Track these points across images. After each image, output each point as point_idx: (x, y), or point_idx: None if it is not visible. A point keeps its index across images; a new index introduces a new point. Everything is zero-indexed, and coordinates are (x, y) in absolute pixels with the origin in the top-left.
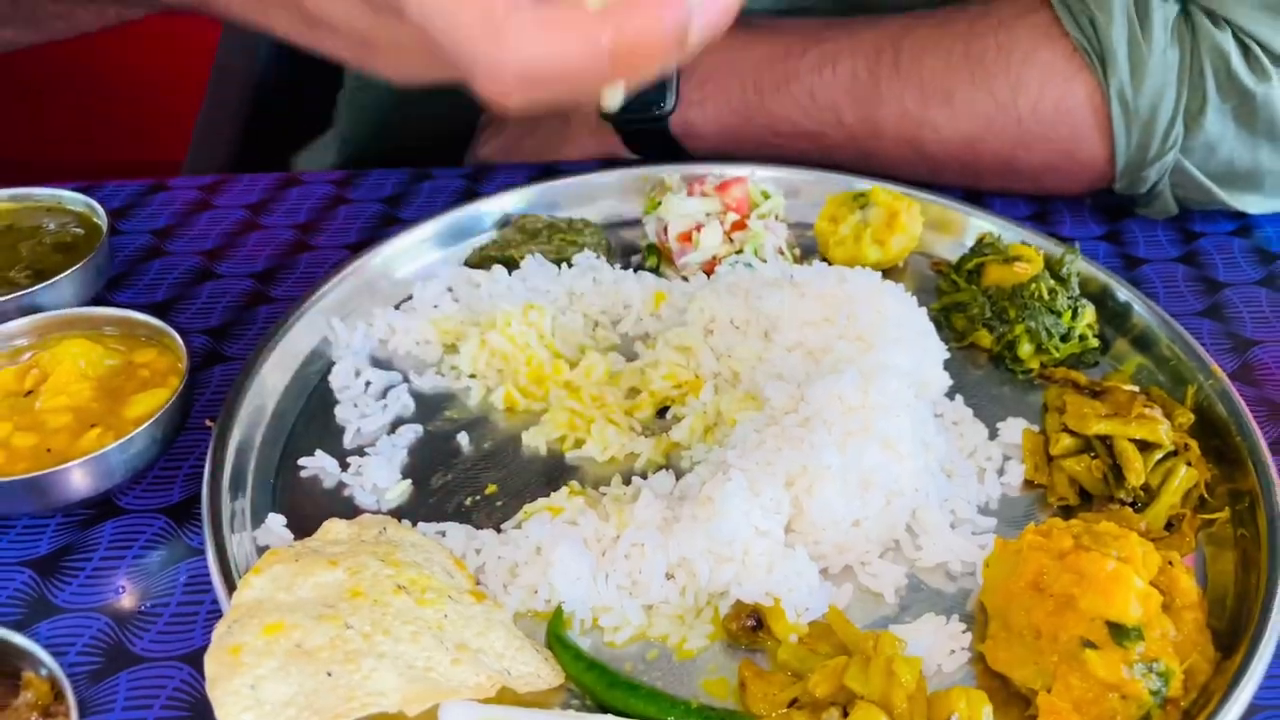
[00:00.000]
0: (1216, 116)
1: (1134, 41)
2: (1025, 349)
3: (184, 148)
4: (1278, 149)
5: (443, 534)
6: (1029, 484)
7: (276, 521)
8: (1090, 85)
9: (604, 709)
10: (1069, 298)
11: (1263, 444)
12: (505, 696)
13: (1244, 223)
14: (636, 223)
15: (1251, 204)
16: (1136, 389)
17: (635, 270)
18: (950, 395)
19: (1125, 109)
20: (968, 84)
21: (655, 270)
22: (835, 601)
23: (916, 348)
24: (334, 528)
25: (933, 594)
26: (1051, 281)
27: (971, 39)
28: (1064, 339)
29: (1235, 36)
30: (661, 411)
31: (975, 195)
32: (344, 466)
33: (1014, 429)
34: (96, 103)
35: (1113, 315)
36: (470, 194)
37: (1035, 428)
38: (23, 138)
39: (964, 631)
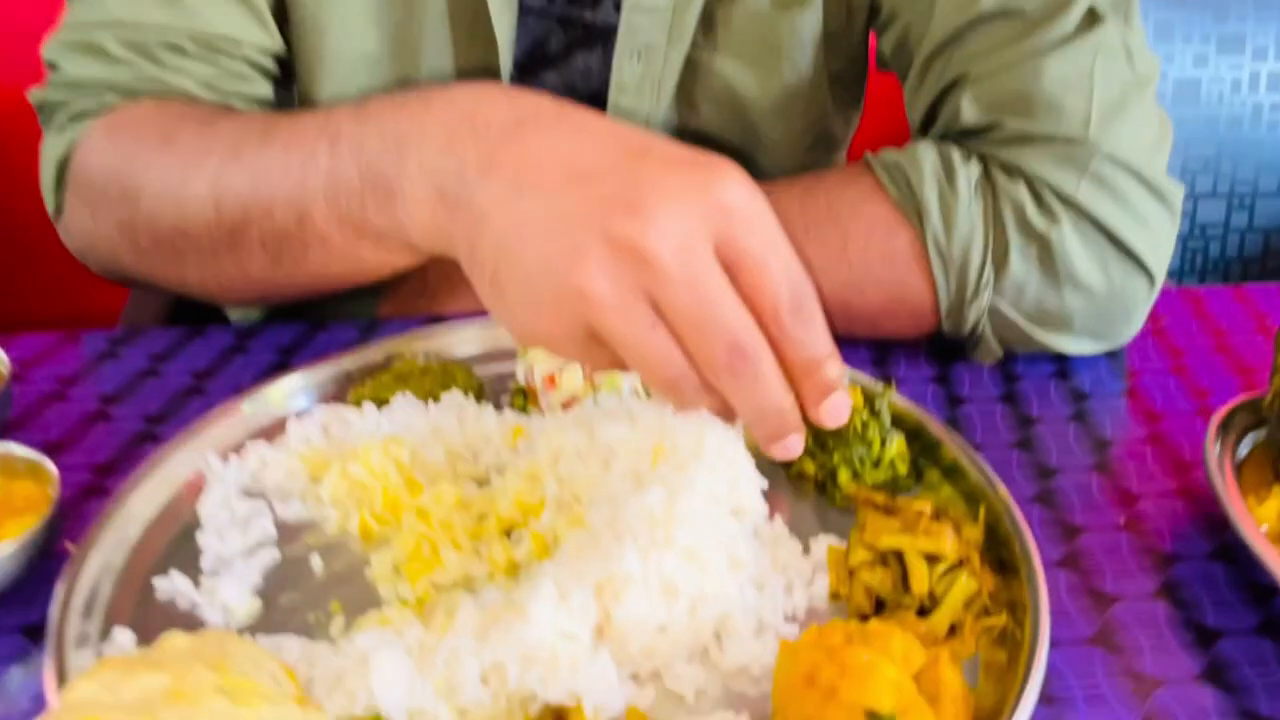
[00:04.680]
0: (1019, 259)
1: (943, 196)
2: (844, 476)
3: (116, 303)
4: (1078, 291)
5: (280, 646)
6: (835, 595)
7: (125, 637)
8: (910, 235)
9: None
10: (880, 430)
11: (1035, 557)
12: None
13: (1062, 366)
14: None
15: (1065, 344)
16: (927, 508)
17: (501, 410)
18: (771, 518)
19: (941, 255)
20: (800, 235)
21: (522, 410)
22: (637, 702)
23: (729, 472)
24: (173, 639)
25: (735, 695)
26: (866, 415)
27: (806, 200)
28: (875, 465)
29: (1029, 185)
30: (511, 534)
31: None
32: (198, 586)
33: (824, 546)
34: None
35: (925, 447)
36: (361, 344)
37: (843, 545)
38: None
39: None
